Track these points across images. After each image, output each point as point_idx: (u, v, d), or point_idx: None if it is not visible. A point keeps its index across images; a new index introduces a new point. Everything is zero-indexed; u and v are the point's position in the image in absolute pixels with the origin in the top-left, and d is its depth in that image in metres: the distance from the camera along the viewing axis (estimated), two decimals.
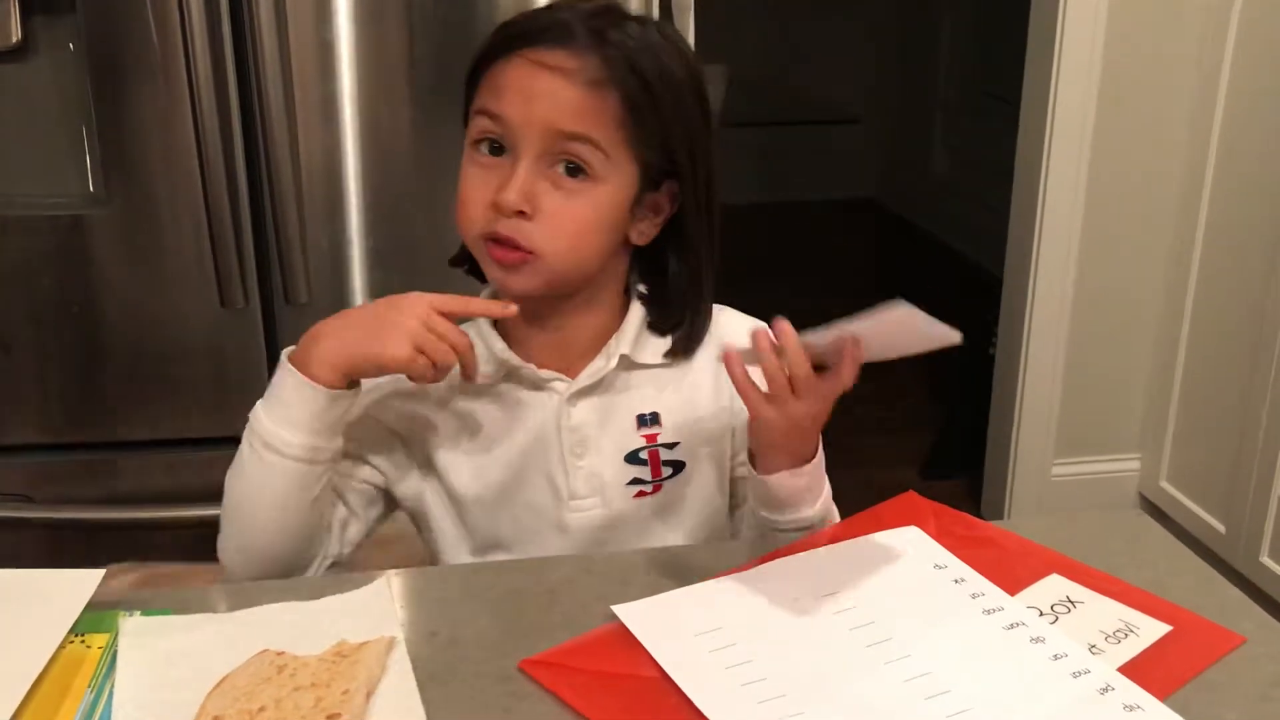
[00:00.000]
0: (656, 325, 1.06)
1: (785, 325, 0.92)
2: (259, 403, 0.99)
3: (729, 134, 3.35)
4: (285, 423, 0.96)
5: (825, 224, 4.90)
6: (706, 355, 1.07)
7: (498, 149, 0.97)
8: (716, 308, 1.11)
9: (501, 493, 1.04)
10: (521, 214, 0.95)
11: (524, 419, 1.04)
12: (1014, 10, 2.60)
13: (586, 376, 1.03)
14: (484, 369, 1.02)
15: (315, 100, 1.49)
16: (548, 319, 1.03)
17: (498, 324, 1.04)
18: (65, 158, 1.51)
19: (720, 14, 2.18)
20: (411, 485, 1.07)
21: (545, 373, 1.03)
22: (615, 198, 0.98)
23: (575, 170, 0.96)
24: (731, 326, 1.08)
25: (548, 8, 1.02)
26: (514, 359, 1.03)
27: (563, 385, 1.03)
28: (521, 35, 0.97)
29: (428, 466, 1.06)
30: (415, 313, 0.95)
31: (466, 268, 1.07)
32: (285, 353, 0.99)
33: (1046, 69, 2.31)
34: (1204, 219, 2.33)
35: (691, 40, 1.75)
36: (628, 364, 1.04)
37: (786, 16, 4.78)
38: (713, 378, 1.06)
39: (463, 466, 1.04)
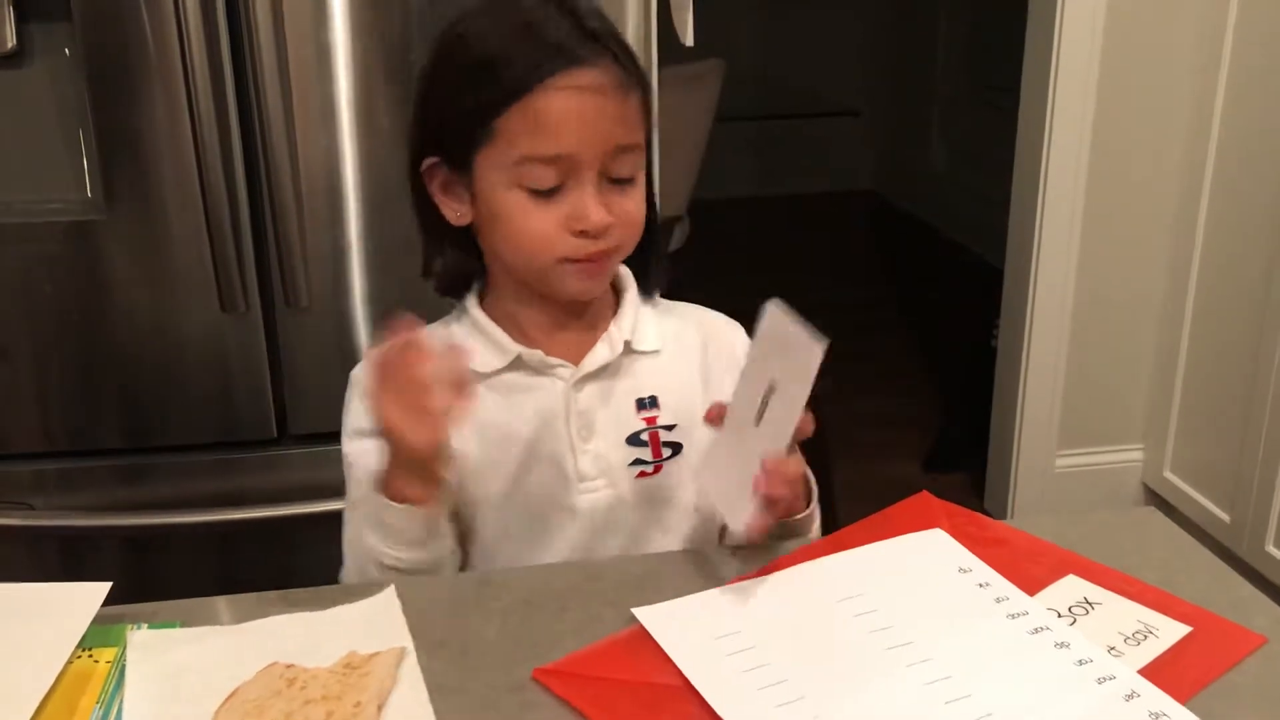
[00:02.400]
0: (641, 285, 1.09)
1: (714, 412, 0.96)
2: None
3: (727, 128, 3.34)
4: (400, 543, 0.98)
5: (824, 217, 4.90)
6: (697, 340, 1.11)
7: (552, 190, 0.98)
8: (692, 306, 1.15)
9: (513, 481, 1.05)
10: (607, 226, 0.99)
11: (530, 405, 1.05)
12: (1013, 2, 2.59)
13: (591, 362, 1.05)
14: (491, 360, 1.04)
15: (314, 103, 1.48)
16: (564, 310, 1.06)
17: (496, 314, 1.05)
18: (63, 164, 1.50)
19: (718, 7, 2.17)
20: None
21: (552, 359, 1.05)
22: (642, 177, 1.03)
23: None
24: (716, 327, 1.13)
25: (527, 26, 0.98)
26: (521, 348, 1.04)
27: (567, 371, 1.05)
28: (540, 64, 0.95)
29: None
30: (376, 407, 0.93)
31: (437, 282, 1.09)
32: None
33: (1045, 60, 2.31)
34: (1205, 209, 2.32)
35: (690, 35, 1.74)
36: (627, 349, 1.07)
37: (784, 9, 4.77)
38: (701, 362, 1.10)
39: (476, 463, 1.04)
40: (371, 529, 0.98)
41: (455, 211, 1.03)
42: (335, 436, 1.07)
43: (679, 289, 1.17)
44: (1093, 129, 2.33)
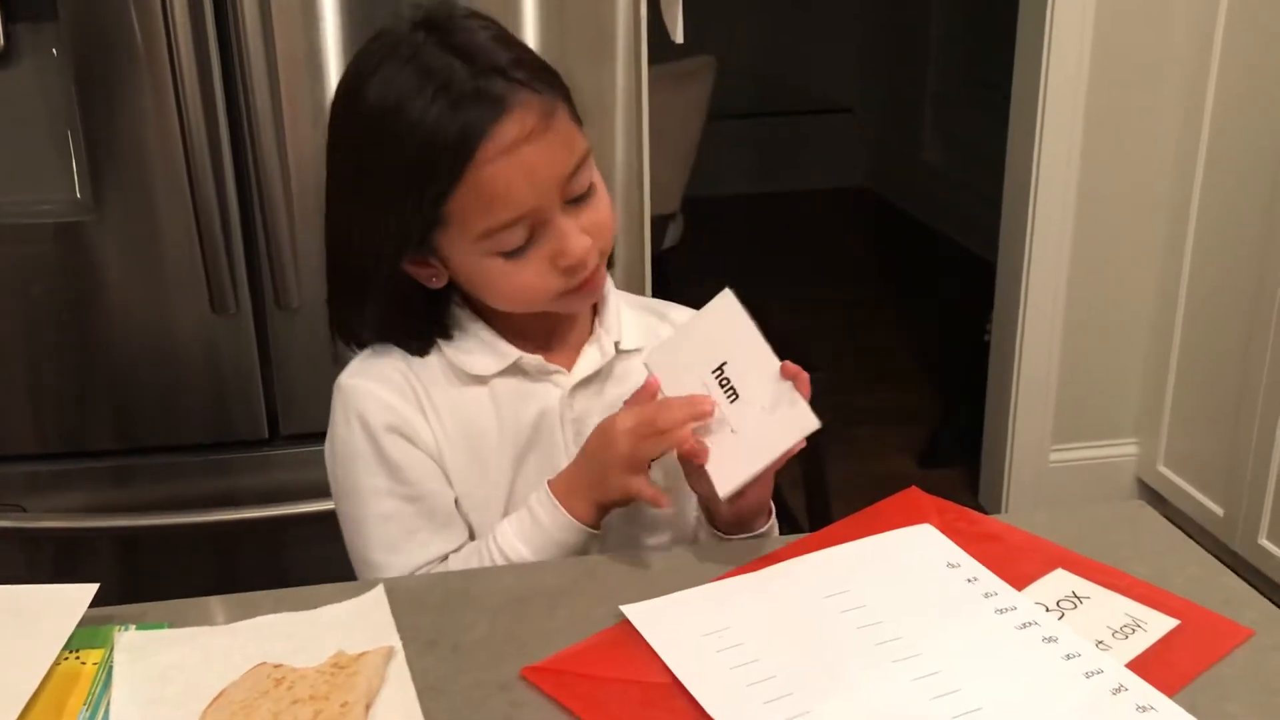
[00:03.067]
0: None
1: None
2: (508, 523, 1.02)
3: (720, 125, 3.34)
4: (525, 541, 0.99)
5: (818, 214, 4.89)
6: None
7: (521, 248, 0.96)
8: (662, 303, 1.16)
9: (506, 488, 1.05)
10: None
11: (525, 411, 1.04)
12: None
13: (585, 367, 1.05)
14: (488, 364, 1.03)
15: (303, 103, 1.48)
16: (544, 318, 1.05)
17: (492, 318, 1.04)
18: (52, 164, 1.50)
19: (709, 4, 2.17)
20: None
21: (551, 365, 1.04)
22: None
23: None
24: None
25: (426, 81, 0.92)
26: (518, 353, 1.03)
27: (563, 377, 1.05)
28: (464, 140, 0.91)
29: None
30: (621, 444, 0.95)
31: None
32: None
33: (1037, 56, 2.31)
34: (1196, 204, 2.33)
35: (679, 32, 1.74)
36: (616, 350, 1.07)
37: (776, 6, 4.76)
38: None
39: (467, 469, 1.04)
40: (523, 537, 0.99)
41: (430, 277, 1.01)
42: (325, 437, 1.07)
43: (673, 286, 1.17)
44: (1084, 124, 2.33)
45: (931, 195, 4.53)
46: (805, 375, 0.93)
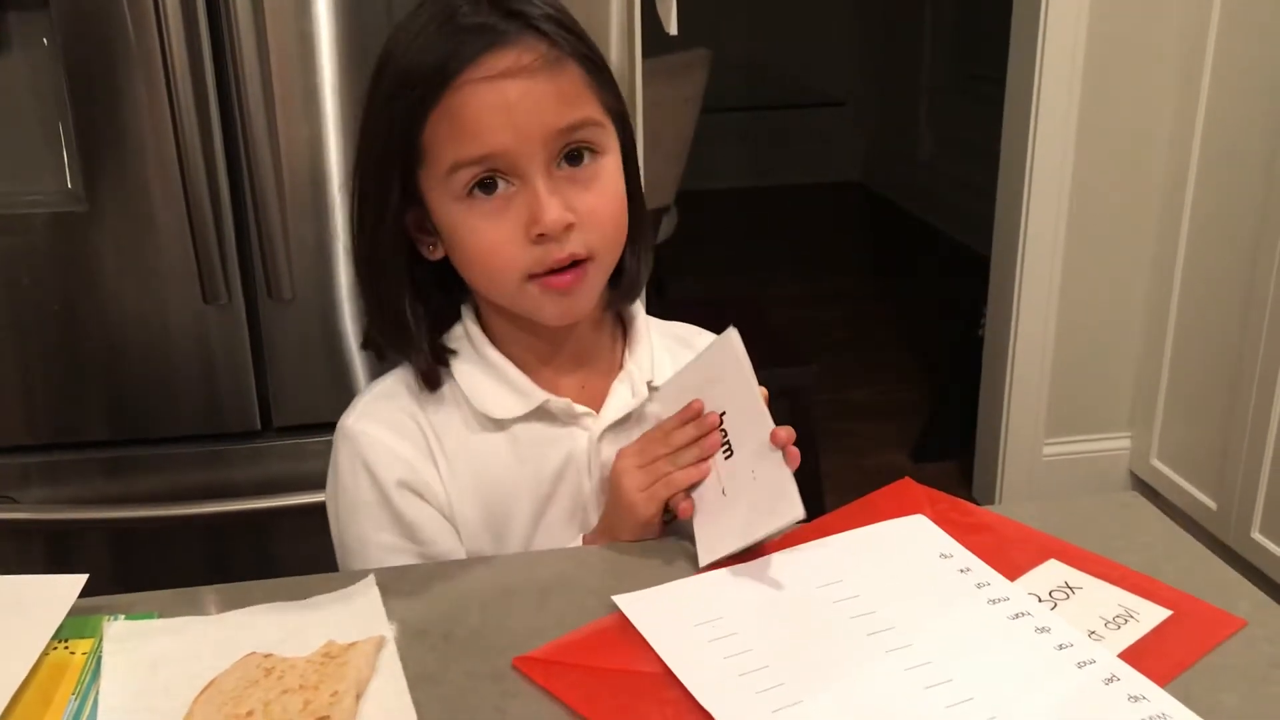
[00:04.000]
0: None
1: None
2: None
3: (714, 119, 3.34)
4: None
5: (812, 207, 4.89)
6: None
7: (490, 185, 0.90)
8: (683, 327, 1.09)
9: (523, 540, 1.00)
10: (568, 226, 0.90)
11: (548, 460, 0.98)
12: None
13: (616, 409, 0.99)
14: (510, 406, 0.97)
15: (296, 93, 1.47)
16: (564, 342, 0.99)
17: (503, 338, 0.99)
18: (42, 155, 1.49)
19: None
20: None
21: (579, 407, 0.98)
22: (617, 162, 0.94)
23: (577, 156, 0.91)
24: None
25: (442, 23, 0.89)
26: (547, 395, 0.97)
27: (592, 420, 0.98)
28: (448, 61, 0.87)
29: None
30: (629, 482, 0.93)
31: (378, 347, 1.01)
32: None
33: (1031, 49, 2.31)
34: (1190, 197, 2.33)
35: (673, 24, 1.73)
36: (649, 390, 1.00)
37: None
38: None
39: (481, 522, 0.99)
40: None
41: (428, 246, 0.95)
42: (319, 428, 1.06)
43: (666, 280, 1.16)
44: (1078, 118, 2.33)
45: (925, 189, 4.53)
46: (795, 449, 0.88)
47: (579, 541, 0.99)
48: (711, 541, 0.90)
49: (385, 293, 0.96)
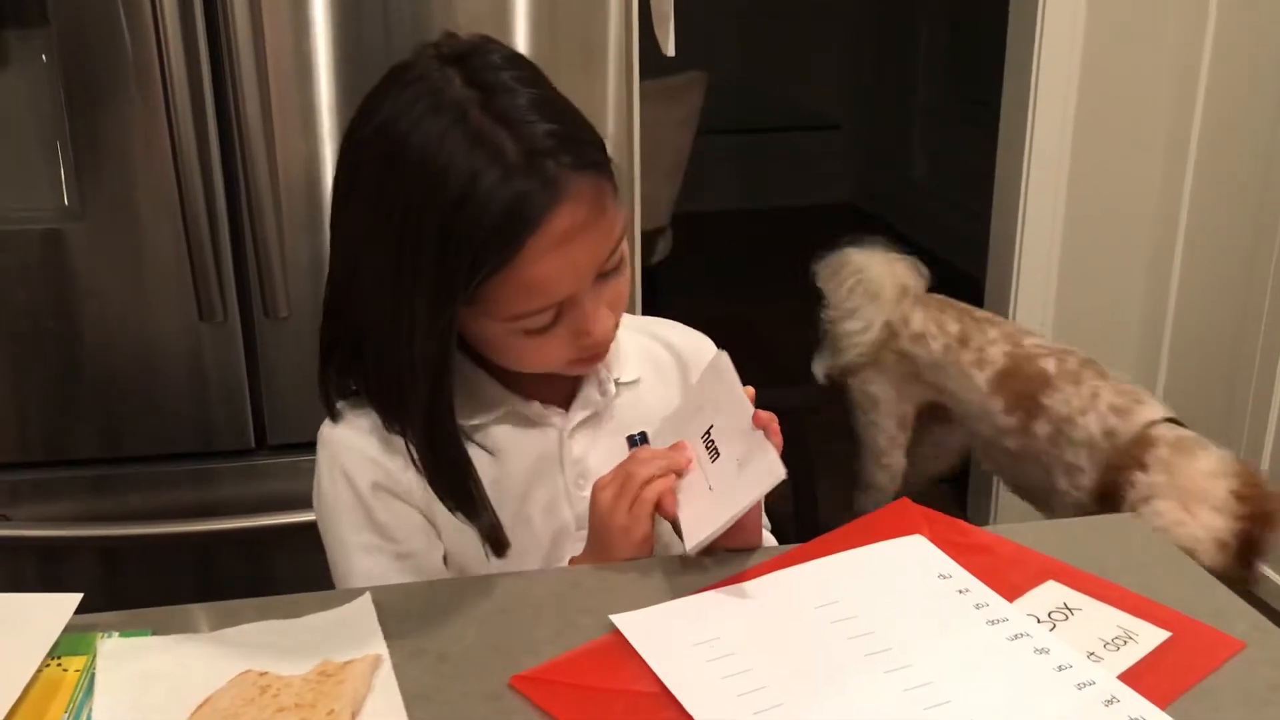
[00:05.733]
0: None
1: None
2: None
3: (708, 141, 3.35)
4: None
5: (805, 230, 4.89)
6: (671, 362, 1.09)
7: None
8: (653, 321, 1.12)
9: (506, 531, 1.01)
10: None
11: (521, 459, 1.02)
12: (992, 15, 2.60)
13: (583, 408, 1.03)
14: (478, 413, 1.00)
15: (294, 110, 1.47)
16: None
17: (485, 362, 1.00)
18: (39, 171, 1.49)
19: (699, 20, 2.18)
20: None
21: (547, 409, 1.01)
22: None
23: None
24: (688, 345, 1.10)
25: (495, 161, 0.87)
26: (516, 399, 1.01)
27: (560, 419, 1.02)
28: (521, 225, 0.87)
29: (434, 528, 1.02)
30: (610, 508, 0.94)
31: None
32: None
33: (1026, 73, 2.32)
34: (1184, 221, 2.34)
35: (671, 46, 1.74)
36: (616, 387, 1.04)
37: (765, 22, 4.78)
38: (683, 387, 1.08)
39: (460, 521, 1.00)
40: None
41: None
42: (312, 446, 1.06)
43: (662, 299, 1.16)
44: (1073, 141, 2.34)
45: (919, 211, 4.54)
46: (775, 422, 0.91)
47: (561, 538, 1.03)
48: (696, 526, 0.92)
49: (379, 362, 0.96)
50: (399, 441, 0.98)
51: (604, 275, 0.94)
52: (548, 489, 1.03)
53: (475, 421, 1.00)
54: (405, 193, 0.88)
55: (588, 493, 1.00)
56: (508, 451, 1.01)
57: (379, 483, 0.99)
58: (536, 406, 1.01)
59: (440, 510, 0.99)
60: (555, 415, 1.02)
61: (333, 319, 0.99)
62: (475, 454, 0.99)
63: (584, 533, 1.01)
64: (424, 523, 1.01)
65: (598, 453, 1.03)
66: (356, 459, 0.99)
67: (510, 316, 0.92)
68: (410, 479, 0.99)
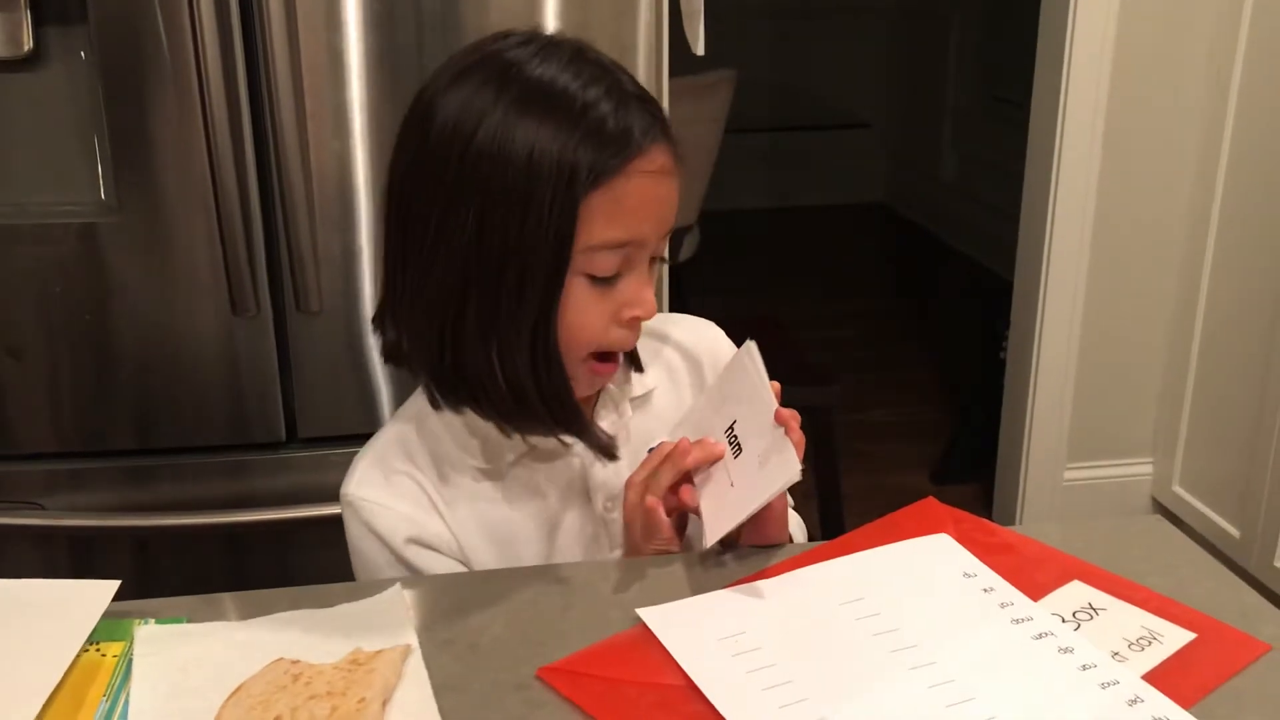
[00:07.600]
0: None
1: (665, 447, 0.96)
2: None
3: (738, 139, 3.35)
4: None
5: (835, 229, 4.90)
6: (682, 364, 1.09)
7: (610, 279, 0.94)
8: (671, 319, 1.12)
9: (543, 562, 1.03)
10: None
11: (547, 493, 1.03)
12: (1023, 14, 2.60)
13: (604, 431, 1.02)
14: (498, 458, 1.01)
15: (327, 107, 1.49)
16: None
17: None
18: (77, 166, 1.51)
19: (730, 18, 2.18)
20: None
21: (568, 438, 1.00)
22: None
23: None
24: (698, 341, 1.10)
25: (600, 101, 0.91)
26: (533, 436, 1.00)
27: (580, 447, 1.01)
28: (634, 136, 0.90)
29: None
30: (634, 513, 0.96)
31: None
32: None
33: (1057, 73, 2.31)
34: (1215, 222, 2.32)
35: (700, 44, 1.75)
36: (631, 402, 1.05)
37: (796, 21, 4.78)
38: (698, 387, 1.08)
39: (496, 561, 1.01)
40: None
41: None
42: (344, 439, 1.07)
43: (688, 298, 1.17)
44: (1103, 142, 2.33)
45: (949, 211, 4.53)
46: (796, 419, 0.91)
47: (604, 556, 1.03)
48: (715, 520, 0.92)
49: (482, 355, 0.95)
50: (424, 493, 1.00)
51: (651, 264, 0.96)
52: (578, 516, 1.03)
53: (495, 465, 1.01)
54: (520, 107, 0.89)
55: (617, 513, 1.01)
56: (532, 486, 1.02)
57: (413, 537, 0.99)
58: (552, 443, 1.01)
59: (472, 551, 1.01)
60: (575, 444, 1.01)
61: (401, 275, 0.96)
62: (499, 492, 1.01)
63: (619, 551, 1.03)
64: (462, 568, 1.02)
65: (622, 473, 1.02)
66: (386, 517, 0.99)
67: (591, 245, 0.90)
68: (441, 528, 1.00)
